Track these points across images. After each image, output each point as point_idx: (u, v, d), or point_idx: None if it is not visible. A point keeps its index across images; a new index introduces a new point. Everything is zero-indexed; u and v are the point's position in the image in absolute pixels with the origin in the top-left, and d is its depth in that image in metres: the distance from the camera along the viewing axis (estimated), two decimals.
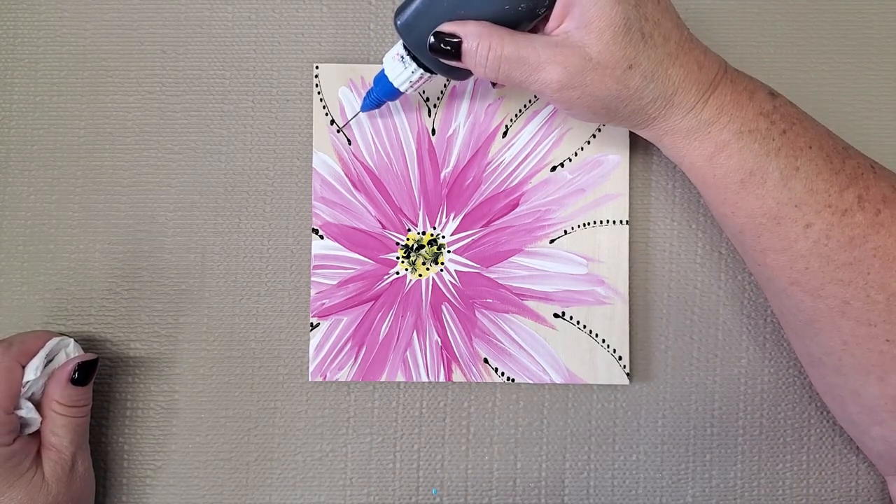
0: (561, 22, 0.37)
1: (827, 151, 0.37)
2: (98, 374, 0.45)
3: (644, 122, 0.38)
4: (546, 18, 0.37)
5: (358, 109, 0.45)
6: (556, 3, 0.36)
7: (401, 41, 0.39)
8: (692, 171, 0.38)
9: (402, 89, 0.41)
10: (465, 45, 0.37)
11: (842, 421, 0.41)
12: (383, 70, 0.41)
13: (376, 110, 0.45)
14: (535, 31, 0.38)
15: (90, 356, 0.41)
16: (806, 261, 0.37)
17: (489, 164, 0.45)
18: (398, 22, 0.38)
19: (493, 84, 0.43)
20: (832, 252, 0.36)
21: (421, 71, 0.40)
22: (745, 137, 0.36)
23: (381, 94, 0.42)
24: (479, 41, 0.37)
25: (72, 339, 0.42)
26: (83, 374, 0.41)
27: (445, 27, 0.37)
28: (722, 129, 0.37)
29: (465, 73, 0.40)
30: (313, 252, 0.45)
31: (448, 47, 0.37)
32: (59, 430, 0.40)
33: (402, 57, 0.40)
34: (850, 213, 0.36)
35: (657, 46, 0.36)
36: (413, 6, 0.38)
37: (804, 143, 0.37)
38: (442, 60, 0.38)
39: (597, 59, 0.36)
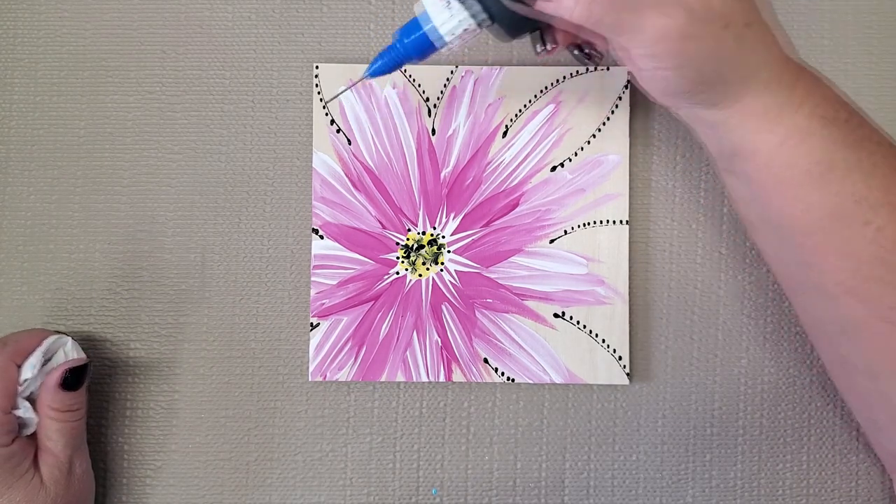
0: None
1: None
2: (98, 375, 0.45)
3: (721, 96, 0.34)
4: None
5: (361, 76, 0.37)
6: None
7: None
8: (752, 160, 0.35)
9: (445, 39, 0.34)
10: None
11: (861, 419, 0.40)
12: (416, 18, 0.34)
13: (373, 108, 0.45)
14: None
15: (80, 360, 0.41)
16: (870, 267, 0.33)
17: (489, 164, 0.45)
18: None
19: (543, 46, 0.35)
20: None
21: (471, 19, 0.33)
22: (829, 125, 0.33)
23: (409, 50, 0.34)
24: None
25: (69, 338, 0.42)
26: (73, 378, 0.40)
27: None
28: (808, 113, 0.33)
29: (526, 24, 0.33)
30: (313, 252, 0.45)
31: None
32: (54, 434, 0.40)
33: (450, 5, 0.33)
34: None
35: (755, 11, 0.33)
36: None
37: (880, 139, 0.34)
38: (525, 23, 0.32)
39: (699, 13, 0.32)
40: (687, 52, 0.33)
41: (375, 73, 0.36)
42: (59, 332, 0.42)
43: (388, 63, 0.35)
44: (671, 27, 0.32)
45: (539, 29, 0.35)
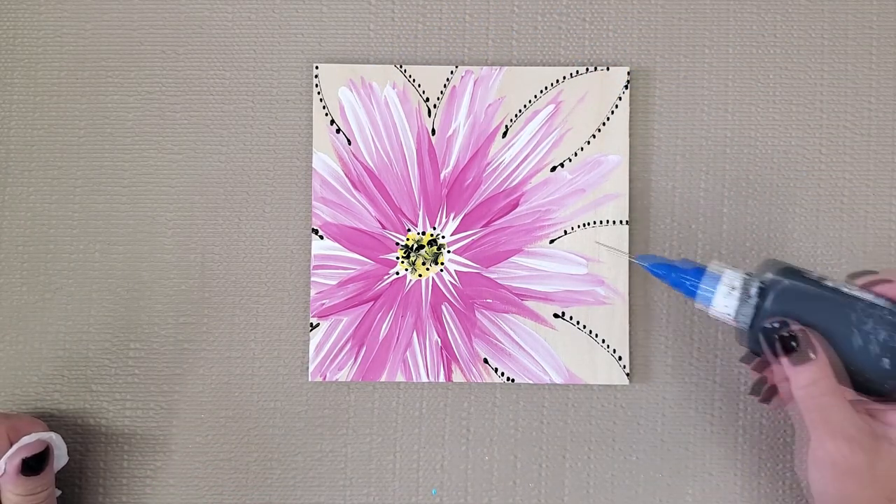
0: (883, 419, 0.36)
1: None
2: (97, 375, 0.45)
3: None
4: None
5: (635, 259, 0.41)
6: None
7: (748, 278, 0.37)
8: None
9: (703, 304, 0.38)
10: (806, 368, 0.36)
11: None
12: (707, 275, 0.38)
13: (374, 111, 0.45)
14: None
15: (39, 446, 0.40)
16: None
17: (489, 164, 0.45)
18: (778, 270, 0.36)
19: (752, 360, 0.40)
20: None
21: (733, 314, 0.37)
22: None
23: (679, 285, 0.39)
24: (824, 378, 0.35)
25: (53, 434, 0.41)
26: (35, 463, 0.39)
27: (814, 338, 0.36)
28: None
29: (754, 356, 0.38)
30: (313, 252, 0.45)
31: (783, 344, 0.36)
32: None
33: (735, 290, 0.37)
34: None
35: None
36: (803, 283, 0.36)
37: None
38: (763, 343, 0.37)
39: (879, 474, 0.35)
40: (821, 488, 0.36)
41: (649, 268, 0.40)
42: (50, 428, 0.42)
43: (658, 274, 0.39)
44: (832, 470, 0.35)
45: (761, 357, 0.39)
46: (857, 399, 0.37)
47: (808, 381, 0.36)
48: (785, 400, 0.39)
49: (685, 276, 0.38)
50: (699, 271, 0.38)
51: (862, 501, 0.35)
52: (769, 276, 0.37)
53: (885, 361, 0.35)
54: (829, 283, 0.36)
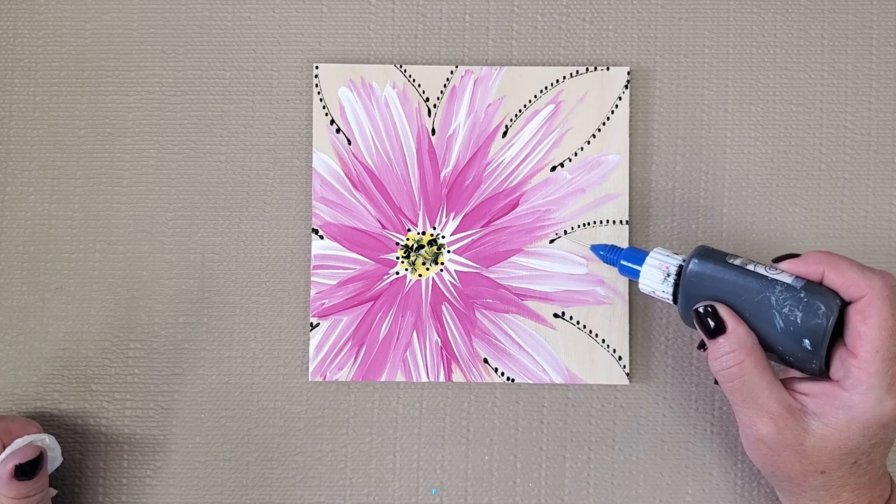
0: (811, 395, 0.36)
1: None
2: (97, 375, 0.45)
3: (790, 497, 0.39)
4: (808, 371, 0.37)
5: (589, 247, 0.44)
6: (825, 388, 0.36)
7: (679, 261, 0.39)
8: None
9: (641, 288, 0.40)
10: (720, 340, 0.37)
11: None
12: (643, 258, 0.40)
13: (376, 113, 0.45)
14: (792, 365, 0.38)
15: (32, 452, 0.40)
16: None
17: (489, 164, 0.45)
18: (698, 253, 0.38)
19: (701, 348, 0.41)
20: None
21: (670, 296, 0.39)
22: None
23: (622, 268, 0.41)
24: (735, 350, 0.37)
25: (46, 435, 0.41)
26: (28, 467, 0.39)
27: (724, 311, 0.37)
28: None
29: (698, 343, 0.40)
30: (313, 252, 0.45)
31: (709, 325, 0.37)
32: None
33: (669, 275, 0.39)
34: None
35: (854, 474, 0.36)
36: (714, 263, 0.37)
37: None
38: (694, 324, 0.38)
39: (806, 449, 0.36)
40: (764, 458, 0.38)
41: (597, 254, 0.43)
42: (43, 429, 0.42)
43: (605, 259, 0.42)
44: (768, 437, 0.36)
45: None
46: (794, 376, 0.38)
47: (720, 353, 0.37)
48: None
49: (619, 256, 0.41)
50: (634, 252, 0.41)
51: (795, 474, 0.37)
52: (688, 258, 0.38)
53: (806, 342, 0.35)
54: (750, 267, 0.37)
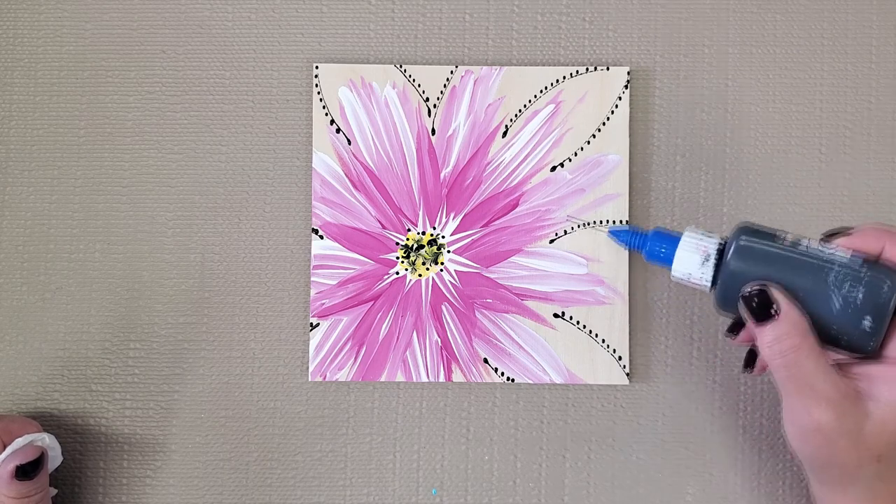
0: (865, 378, 0.35)
1: None
2: (97, 375, 0.45)
3: (836, 489, 0.37)
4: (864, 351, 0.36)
5: (606, 232, 0.42)
6: (883, 369, 0.35)
7: (718, 241, 0.37)
8: None
9: (674, 274, 0.38)
10: (773, 324, 0.35)
11: None
12: (675, 241, 0.37)
13: (377, 117, 0.45)
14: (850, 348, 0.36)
15: (33, 453, 0.40)
16: None
17: (489, 164, 0.45)
18: (744, 231, 0.36)
19: (732, 335, 0.39)
20: None
21: (709, 282, 0.37)
22: None
23: (650, 253, 0.39)
24: (789, 333, 0.35)
25: (46, 435, 0.41)
26: (30, 467, 0.39)
27: (777, 293, 0.35)
28: None
29: (738, 322, 0.37)
30: (313, 252, 0.45)
31: (757, 309, 0.35)
32: None
33: (709, 258, 0.36)
34: None
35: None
36: (767, 242, 0.35)
37: None
38: (741, 309, 0.36)
39: (865, 435, 0.34)
40: (814, 447, 0.35)
41: (619, 239, 0.42)
42: (43, 428, 0.42)
43: (628, 244, 0.41)
44: (823, 425, 0.34)
45: (738, 322, 0.38)
46: (838, 360, 0.36)
47: (773, 338, 0.35)
48: (763, 365, 0.39)
49: (646, 240, 0.39)
50: (663, 235, 0.38)
51: (850, 463, 0.35)
52: (733, 237, 0.36)
53: (867, 321, 0.34)
54: (803, 245, 0.36)
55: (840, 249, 0.35)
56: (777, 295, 0.35)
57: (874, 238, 0.35)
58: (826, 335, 0.35)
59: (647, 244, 0.39)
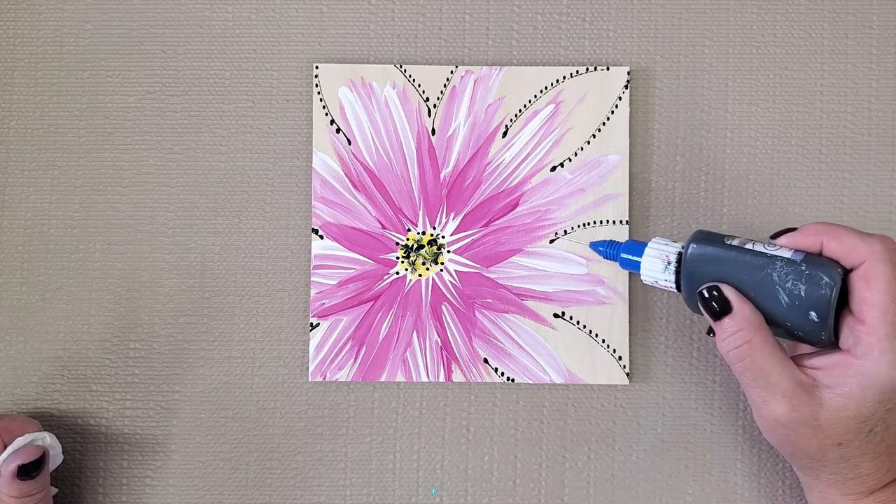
0: (822, 368, 0.36)
1: None
2: (96, 375, 0.45)
3: (809, 473, 0.38)
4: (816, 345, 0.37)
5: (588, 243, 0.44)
6: (836, 358, 0.36)
7: (678, 248, 0.39)
8: None
9: (643, 279, 0.40)
10: (726, 320, 0.37)
11: None
12: (643, 249, 0.40)
13: (377, 113, 0.45)
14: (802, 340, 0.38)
15: (35, 453, 0.40)
16: None
17: (489, 164, 0.45)
18: (696, 237, 0.38)
19: (710, 333, 0.40)
20: None
21: (673, 284, 0.39)
22: None
23: (623, 262, 0.41)
24: (743, 328, 0.36)
25: (47, 434, 0.41)
26: (30, 468, 0.39)
27: (728, 291, 0.37)
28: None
29: (707, 328, 0.40)
30: (313, 252, 0.45)
31: (714, 306, 0.37)
32: None
33: (669, 263, 0.39)
34: None
35: (871, 443, 0.36)
36: (713, 245, 0.37)
37: None
38: (701, 308, 0.38)
39: (822, 423, 0.35)
40: (781, 436, 0.37)
41: (597, 251, 0.43)
42: (43, 427, 0.42)
43: (605, 255, 0.42)
44: (783, 417, 0.36)
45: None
46: (803, 353, 0.38)
47: (727, 333, 0.37)
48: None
49: (619, 250, 0.41)
50: (634, 245, 0.41)
51: (812, 449, 0.36)
52: (687, 243, 0.38)
53: (813, 315, 0.35)
54: (749, 245, 0.37)
55: (784, 248, 0.37)
56: (728, 292, 0.37)
57: (814, 234, 0.36)
58: (784, 330, 0.37)
59: (619, 254, 0.41)
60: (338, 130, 0.45)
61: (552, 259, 0.45)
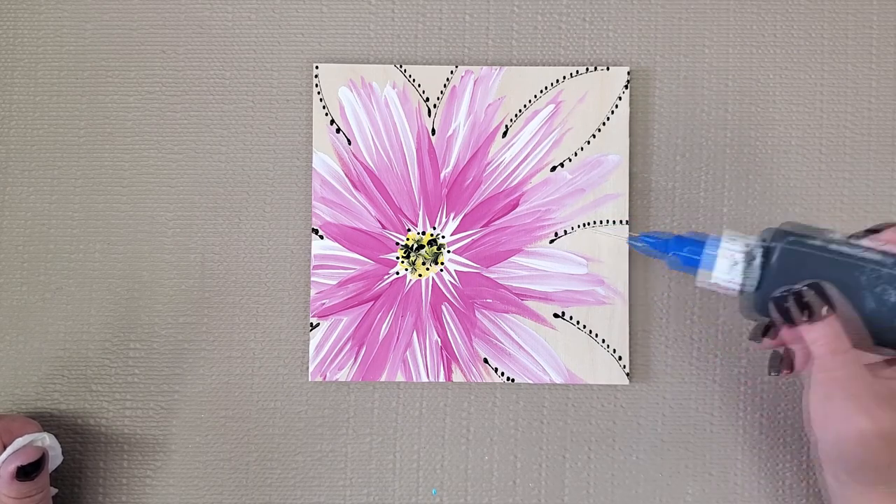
0: None
1: None
2: (96, 375, 0.45)
3: (859, 484, 0.36)
4: None
5: (627, 239, 0.41)
6: None
7: (758, 245, 0.36)
8: None
9: (714, 279, 0.37)
10: (822, 322, 0.34)
11: None
12: (704, 247, 0.37)
13: (375, 116, 0.45)
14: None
15: (35, 454, 0.40)
16: None
17: (489, 164, 0.45)
18: (783, 235, 0.35)
19: (762, 337, 0.38)
20: None
21: (738, 285, 0.36)
22: None
23: (684, 259, 0.38)
24: (841, 332, 0.34)
25: (47, 434, 0.41)
26: (29, 469, 0.39)
27: (832, 291, 0.34)
28: None
29: (760, 334, 0.37)
30: (313, 252, 0.45)
31: (797, 301, 0.35)
32: None
33: (737, 263, 0.36)
34: None
35: None
36: (809, 244, 0.35)
37: None
38: (773, 308, 0.35)
39: (893, 441, 0.34)
40: (855, 454, 0.34)
41: (641, 249, 0.40)
42: (43, 427, 0.42)
43: (653, 251, 0.39)
44: (864, 428, 0.34)
45: (770, 325, 0.38)
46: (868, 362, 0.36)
47: (828, 336, 0.34)
48: (798, 366, 0.38)
49: (685, 247, 0.38)
50: (695, 241, 0.38)
51: (882, 463, 0.34)
52: (772, 241, 0.36)
53: None
54: (834, 246, 0.35)
55: (871, 250, 0.35)
56: (832, 292, 0.35)
57: None
58: (867, 333, 0.35)
59: (676, 250, 0.38)
60: (338, 130, 0.45)
61: (552, 259, 0.45)
